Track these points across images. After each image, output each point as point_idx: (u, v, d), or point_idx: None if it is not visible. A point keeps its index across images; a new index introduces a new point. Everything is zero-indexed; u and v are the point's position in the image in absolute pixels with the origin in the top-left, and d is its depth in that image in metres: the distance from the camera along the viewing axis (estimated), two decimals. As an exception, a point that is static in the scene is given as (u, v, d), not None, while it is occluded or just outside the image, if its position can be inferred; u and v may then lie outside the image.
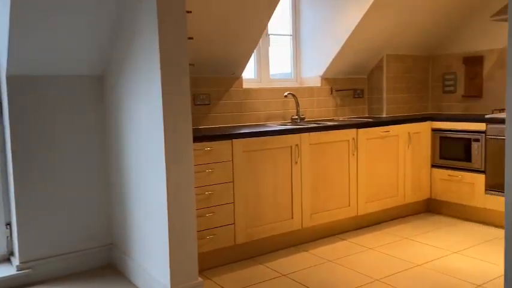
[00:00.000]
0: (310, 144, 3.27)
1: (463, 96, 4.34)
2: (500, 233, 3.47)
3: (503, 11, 3.57)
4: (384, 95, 4.29)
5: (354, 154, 3.51)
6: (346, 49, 3.90)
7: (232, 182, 2.94)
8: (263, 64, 3.94)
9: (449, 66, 4.45)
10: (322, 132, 3.32)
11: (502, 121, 3.49)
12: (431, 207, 4.13)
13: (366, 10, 3.60)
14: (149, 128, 2.44)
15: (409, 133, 3.87)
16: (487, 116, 3.66)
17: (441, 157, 3.97)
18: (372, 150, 3.63)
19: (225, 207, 2.92)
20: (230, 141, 2.91)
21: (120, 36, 2.67)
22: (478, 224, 3.72)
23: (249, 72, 3.87)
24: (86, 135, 2.96)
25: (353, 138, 3.50)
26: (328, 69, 4.05)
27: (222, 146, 2.89)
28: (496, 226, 3.62)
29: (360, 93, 4.37)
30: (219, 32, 3.21)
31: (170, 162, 2.31)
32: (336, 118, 4.18)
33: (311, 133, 3.27)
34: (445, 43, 4.45)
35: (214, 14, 3.07)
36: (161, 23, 2.25)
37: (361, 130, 3.55)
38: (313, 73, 4.14)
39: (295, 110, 3.89)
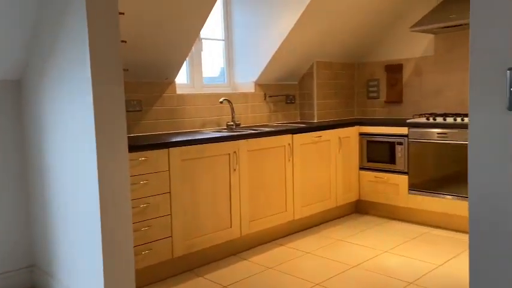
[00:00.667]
0: (248, 150, 3.24)
1: (385, 101, 4.60)
2: (423, 230, 3.71)
3: (421, 22, 3.83)
4: (315, 101, 4.41)
5: (289, 160, 3.55)
6: (279, 56, 3.94)
7: (169, 192, 2.81)
8: (196, 69, 3.85)
9: (373, 73, 4.69)
10: (259, 138, 3.31)
11: (422, 125, 3.73)
12: (360, 208, 4.31)
13: (297, 18, 3.66)
14: (79, 139, 2.25)
15: (339, 138, 4.00)
16: (408, 121, 3.90)
17: (368, 160, 4.16)
18: (306, 155, 3.70)
19: (162, 220, 2.79)
20: (167, 149, 2.79)
21: (42, 38, 2.44)
22: (403, 223, 3.94)
23: (181, 77, 3.75)
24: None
25: (289, 144, 3.54)
26: (261, 75, 4.07)
27: (158, 155, 2.75)
28: (419, 224, 3.87)
29: (292, 99, 4.44)
30: (152, 36, 3.07)
31: (103, 175, 2.14)
32: (270, 124, 4.21)
33: (249, 140, 3.24)
34: (369, 51, 4.68)
35: (147, 17, 2.93)
36: (91, 25, 2.08)
37: (296, 136, 3.60)
38: (247, 79, 4.13)
39: (231, 116, 3.84)
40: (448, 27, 3.72)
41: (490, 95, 0.84)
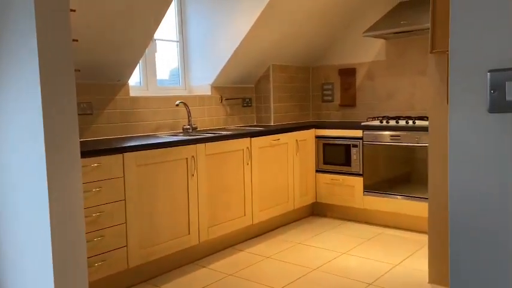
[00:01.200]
0: (206, 155, 3.16)
1: (339, 105, 4.67)
2: (378, 230, 3.80)
3: (373, 28, 3.92)
4: (271, 104, 4.40)
5: (248, 163, 3.50)
6: (235, 58, 3.90)
7: (124, 200, 2.68)
8: (150, 71, 3.72)
9: (328, 77, 4.76)
10: (217, 142, 3.24)
11: (375, 128, 3.82)
12: (317, 211, 4.34)
13: (254, 20, 3.63)
14: (27, 144, 2.07)
15: (296, 140, 4.01)
16: (363, 123, 3.98)
17: (325, 162, 4.20)
18: (264, 158, 3.67)
19: (116, 229, 2.65)
20: (121, 155, 2.65)
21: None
22: (359, 224, 4.01)
23: (134, 79, 3.61)
24: None
25: (247, 147, 3.49)
26: (218, 77, 4.00)
27: (112, 160, 2.61)
28: (374, 224, 3.95)
29: (248, 102, 4.41)
30: (105, 35, 2.92)
31: (53, 182, 1.99)
32: (227, 127, 4.14)
33: (207, 143, 3.16)
34: (324, 55, 4.74)
35: (99, 15, 2.78)
36: (40, 21, 1.93)
37: (254, 139, 3.56)
38: (203, 81, 4.04)
39: (187, 120, 3.74)
40: (399, 32, 3.83)
41: (470, 96, 0.84)
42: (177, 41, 4.06)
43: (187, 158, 3.03)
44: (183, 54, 4.09)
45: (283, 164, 3.88)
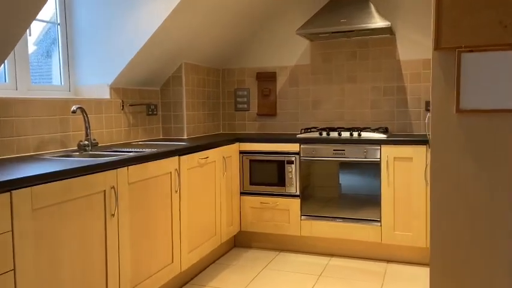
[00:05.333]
0: (129, 183, 2.18)
1: (257, 114, 4.04)
2: (323, 260, 3.25)
3: (308, 25, 3.41)
4: (184, 112, 3.53)
5: (177, 191, 2.60)
6: (144, 52, 2.95)
7: (14, 270, 1.56)
8: (20, 62, 2.53)
9: (242, 81, 4.09)
10: (142, 164, 2.28)
11: (315, 141, 3.29)
12: (241, 242, 3.60)
13: (173, 8, 2.76)
14: None
15: (224, 157, 3.23)
16: (299, 136, 3.41)
17: (252, 183, 3.50)
18: (193, 182, 2.81)
19: (-4, 321, 1.52)
20: (7, 194, 1.54)
21: None
22: (296, 255, 3.41)
23: (-2, 72, 2.39)
24: None
25: (175, 169, 2.59)
26: (119, 76, 2.98)
27: (-13, 204, 1.49)
28: (315, 254, 3.40)
29: (153, 110, 3.45)
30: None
31: None
32: (133, 142, 3.13)
33: (130, 167, 2.18)
34: (239, 56, 4.06)
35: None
36: None
37: (183, 158, 2.67)
38: (94, 80, 2.97)
39: (83, 133, 2.65)
40: (337, 32, 3.40)
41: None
42: (58, 24, 2.92)
43: (105, 191, 2.01)
44: (66, 42, 2.96)
45: (211, 187, 3.06)
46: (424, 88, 3.53)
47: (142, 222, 2.30)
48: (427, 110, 3.53)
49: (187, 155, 2.72)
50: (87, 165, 1.90)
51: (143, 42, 2.87)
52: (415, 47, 3.54)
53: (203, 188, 2.94)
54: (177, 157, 2.60)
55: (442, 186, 2.13)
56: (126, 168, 2.14)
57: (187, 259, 2.74)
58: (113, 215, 2.05)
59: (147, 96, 3.39)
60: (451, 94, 2.09)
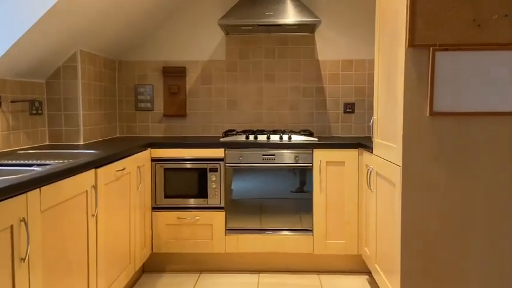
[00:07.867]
0: (42, 211, 1.52)
1: (164, 115, 3.50)
2: (252, 279, 2.91)
3: (231, 15, 3.04)
4: (80, 111, 2.82)
5: (93, 214, 1.98)
6: (32, 34, 2.21)
7: None
8: None
9: (144, 77, 3.50)
10: (54, 183, 1.63)
11: (241, 145, 2.94)
12: (152, 266, 3.04)
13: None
14: None
15: (138, 167, 2.65)
16: (222, 140, 3.01)
17: (166, 196, 2.98)
18: (110, 200, 2.20)
19: None
20: None
21: None
22: (221, 274, 3.00)
23: None
24: None
25: (92, 186, 1.96)
26: (-2, 60, 2.19)
27: None
28: (242, 271, 3.03)
29: (38, 108, 2.68)
30: None
31: None
32: (13, 151, 2.34)
33: (43, 187, 1.52)
34: (140, 46, 3.46)
35: None
36: None
37: (100, 171, 2.05)
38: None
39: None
40: (263, 25, 3.09)
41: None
42: None
43: (12, 226, 1.35)
44: None
45: (126, 205, 2.47)
46: (343, 90, 3.46)
47: (57, 262, 1.65)
48: (346, 112, 3.47)
49: (104, 167, 2.11)
50: (-14, 190, 1.23)
51: (33, 21, 2.14)
52: (334, 46, 3.44)
53: (119, 206, 2.34)
54: (93, 170, 1.98)
55: (413, 190, 1.99)
56: (38, 190, 1.49)
57: (105, 300, 2.12)
58: (23, 259, 1.39)
59: (31, 89, 2.61)
60: (424, 95, 1.96)
